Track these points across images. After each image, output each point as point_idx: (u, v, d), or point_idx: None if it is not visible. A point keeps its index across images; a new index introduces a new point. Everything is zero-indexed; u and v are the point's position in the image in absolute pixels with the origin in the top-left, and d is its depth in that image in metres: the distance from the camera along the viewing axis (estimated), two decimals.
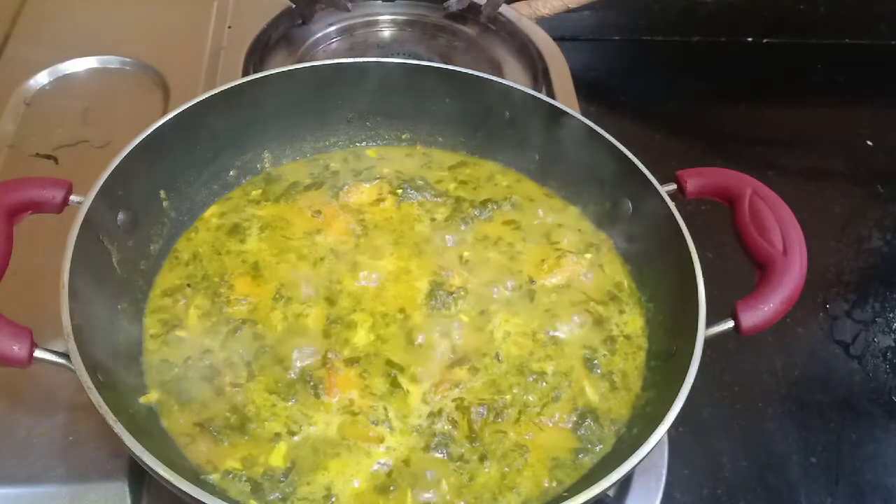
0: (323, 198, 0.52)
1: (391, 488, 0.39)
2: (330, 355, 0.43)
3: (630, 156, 0.48)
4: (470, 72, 0.52)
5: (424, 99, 0.53)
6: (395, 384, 0.43)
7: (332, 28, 0.70)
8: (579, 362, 0.45)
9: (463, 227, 0.50)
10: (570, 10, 0.77)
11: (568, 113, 0.50)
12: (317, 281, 0.47)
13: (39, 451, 0.45)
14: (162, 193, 0.48)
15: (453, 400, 0.43)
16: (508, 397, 0.43)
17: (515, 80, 0.64)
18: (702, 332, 0.41)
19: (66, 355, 0.37)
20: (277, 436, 0.41)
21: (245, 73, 0.63)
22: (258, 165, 0.53)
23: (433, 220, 0.51)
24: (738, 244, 0.46)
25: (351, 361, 0.43)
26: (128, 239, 0.45)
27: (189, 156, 0.49)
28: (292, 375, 0.43)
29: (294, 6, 0.69)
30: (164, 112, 0.47)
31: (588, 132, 0.49)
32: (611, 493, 0.41)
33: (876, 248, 0.68)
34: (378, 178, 0.53)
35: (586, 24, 0.84)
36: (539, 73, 0.66)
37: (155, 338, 0.44)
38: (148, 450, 0.37)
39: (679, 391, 0.39)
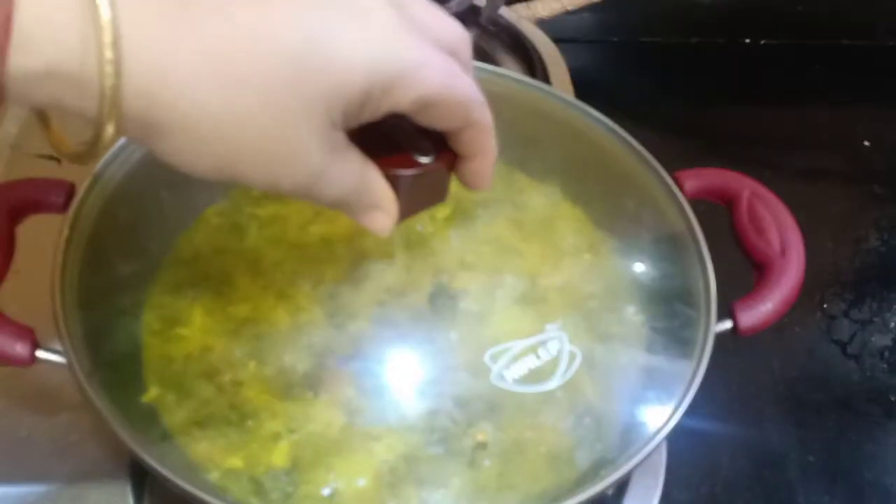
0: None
1: (394, 485, 0.40)
2: (329, 353, 0.43)
3: None
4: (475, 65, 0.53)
5: None
6: (393, 381, 0.43)
7: None
8: (579, 361, 0.45)
9: (464, 227, 0.50)
10: (568, 12, 0.77)
11: None
12: (318, 279, 0.47)
13: (41, 450, 0.45)
14: (162, 192, 0.48)
15: (452, 398, 0.43)
16: (507, 395, 0.43)
17: None
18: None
19: (68, 354, 0.38)
20: (279, 434, 0.41)
21: None
22: None
23: (434, 219, 0.51)
24: (735, 245, 0.46)
25: (350, 359, 0.44)
26: (128, 238, 0.46)
27: None
28: (293, 374, 0.43)
29: None
30: None
31: None
32: (609, 491, 0.41)
33: (873, 249, 0.68)
34: None
35: (585, 26, 0.84)
36: (538, 75, 0.67)
37: (155, 336, 0.44)
38: (148, 449, 0.37)
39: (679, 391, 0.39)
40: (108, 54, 0.24)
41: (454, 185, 0.39)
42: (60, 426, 0.46)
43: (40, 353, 0.38)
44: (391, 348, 0.44)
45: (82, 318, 0.40)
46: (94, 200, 0.43)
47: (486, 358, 0.44)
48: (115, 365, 0.41)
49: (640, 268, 0.49)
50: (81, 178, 0.44)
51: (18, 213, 0.42)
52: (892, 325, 0.62)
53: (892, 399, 0.58)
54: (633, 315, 0.48)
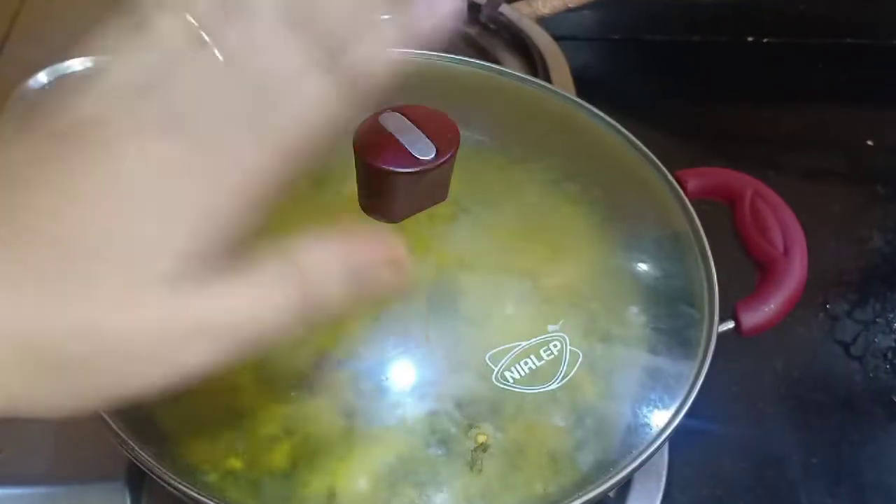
0: (325, 195, 0.51)
1: (394, 487, 0.39)
2: (328, 354, 0.43)
3: None
4: (476, 62, 0.52)
5: (429, 95, 0.53)
6: (393, 382, 0.43)
7: None
8: (580, 361, 0.45)
9: (464, 227, 0.50)
10: (569, 10, 0.77)
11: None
12: None
13: (38, 451, 0.45)
14: None
15: (453, 399, 0.43)
16: (507, 395, 0.43)
17: None
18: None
19: None
20: (278, 436, 0.41)
21: None
22: None
23: (434, 218, 0.51)
24: (738, 244, 0.46)
25: (349, 360, 0.43)
26: None
27: None
28: (291, 375, 0.43)
29: None
30: None
31: None
32: (611, 493, 0.41)
33: (876, 248, 0.68)
34: None
35: (586, 24, 0.84)
36: (539, 73, 0.66)
37: None
38: (146, 449, 0.37)
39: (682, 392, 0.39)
40: None
41: (454, 185, 0.39)
42: (59, 426, 0.46)
43: None
44: (391, 349, 0.44)
45: None
46: None
47: (487, 358, 0.44)
48: None
49: (642, 268, 0.49)
50: None
51: None
52: None
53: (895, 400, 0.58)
54: (635, 315, 0.47)
